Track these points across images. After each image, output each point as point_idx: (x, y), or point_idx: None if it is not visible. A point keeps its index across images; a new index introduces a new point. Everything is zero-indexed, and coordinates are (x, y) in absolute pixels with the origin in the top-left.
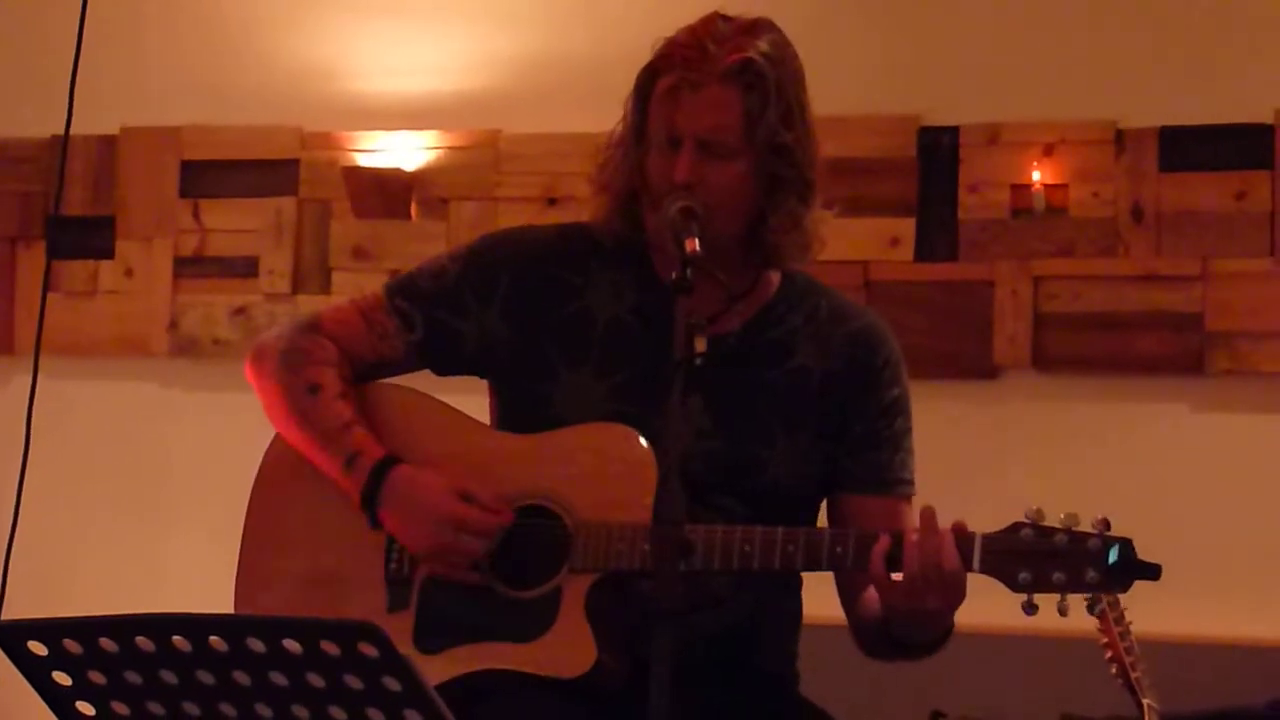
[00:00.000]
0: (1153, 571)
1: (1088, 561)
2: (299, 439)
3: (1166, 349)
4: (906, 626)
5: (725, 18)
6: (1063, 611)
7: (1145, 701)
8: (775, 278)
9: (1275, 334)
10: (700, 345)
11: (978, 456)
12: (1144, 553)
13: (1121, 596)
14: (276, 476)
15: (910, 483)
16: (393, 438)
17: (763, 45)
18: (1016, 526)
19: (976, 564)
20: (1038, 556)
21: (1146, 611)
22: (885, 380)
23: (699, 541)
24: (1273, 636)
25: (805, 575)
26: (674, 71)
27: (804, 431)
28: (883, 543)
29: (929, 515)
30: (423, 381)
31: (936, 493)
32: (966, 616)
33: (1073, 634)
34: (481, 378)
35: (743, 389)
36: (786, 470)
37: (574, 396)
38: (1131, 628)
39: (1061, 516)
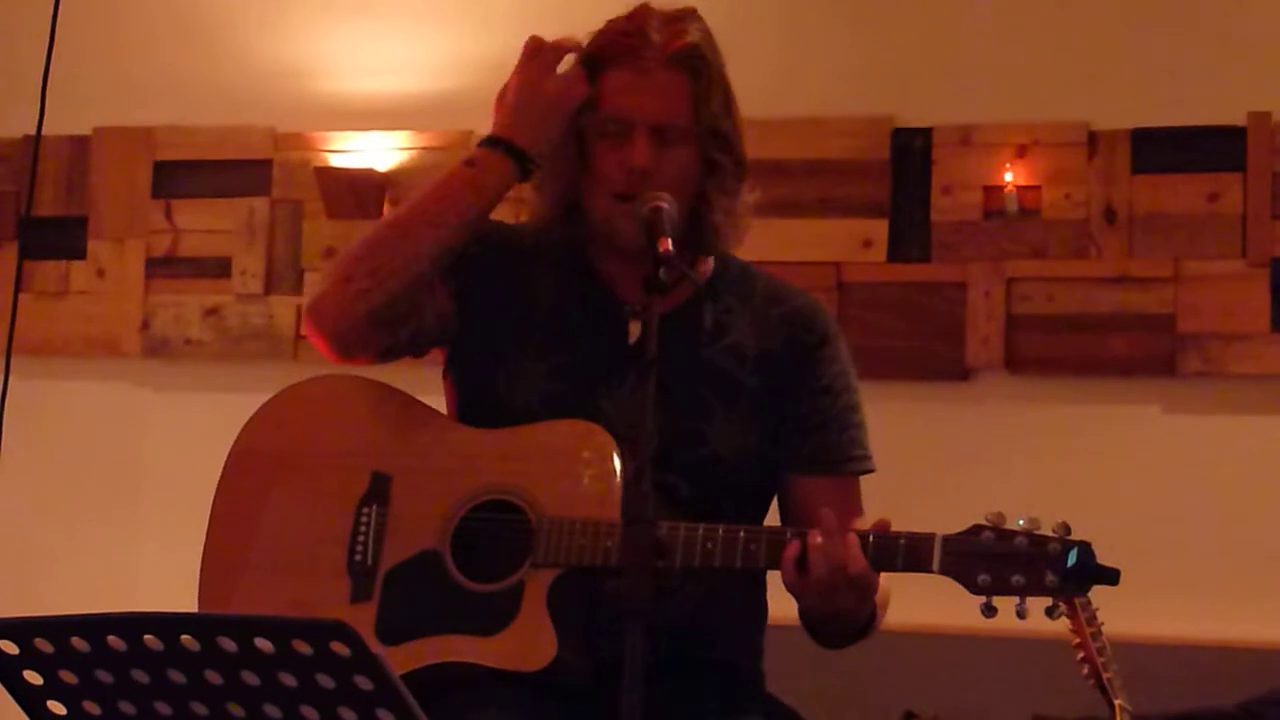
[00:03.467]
0: (1111, 576)
1: (1047, 565)
2: (413, 217)
3: (1138, 350)
4: (823, 622)
5: (651, 8)
6: (1021, 614)
7: (1117, 702)
8: (709, 262)
9: (1247, 335)
10: (635, 331)
11: (949, 458)
12: (1115, 553)
13: (1093, 597)
14: (243, 467)
15: (862, 458)
16: (361, 429)
17: (696, 33)
18: (976, 529)
19: (936, 565)
20: (997, 559)
21: (1118, 612)
22: (824, 358)
23: (656, 518)
24: (1244, 637)
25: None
26: (620, 60)
27: (741, 407)
28: (792, 548)
29: (829, 518)
30: (393, 374)
31: (908, 494)
32: (939, 617)
33: (1045, 635)
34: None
35: (678, 366)
36: (726, 444)
37: (516, 378)
38: (1103, 628)
39: (1022, 520)
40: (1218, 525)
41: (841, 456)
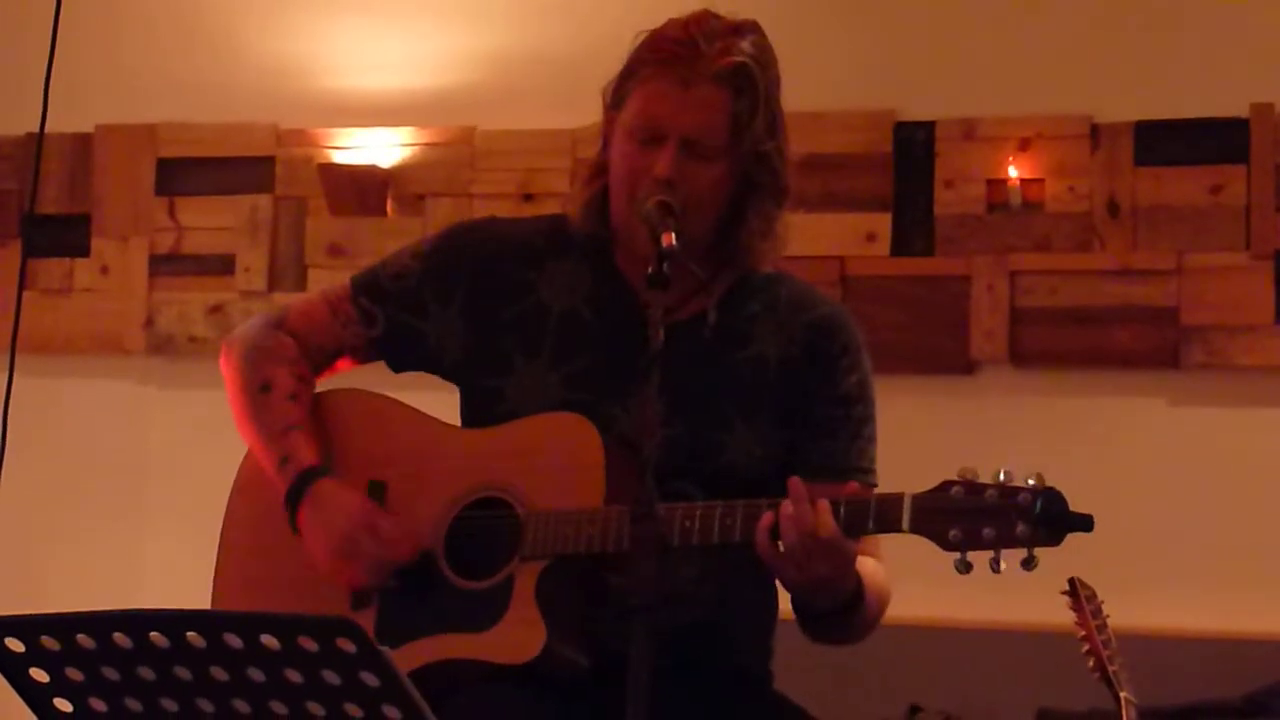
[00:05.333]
0: (1083, 522)
1: (1017, 515)
2: (247, 434)
3: (1143, 343)
4: (806, 595)
5: (715, 15)
6: (995, 568)
7: (1123, 695)
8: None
9: (1251, 328)
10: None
11: (954, 452)
12: (1120, 545)
13: (1098, 589)
14: (250, 485)
15: (868, 471)
16: (353, 440)
17: (751, 49)
18: (946, 485)
19: (906, 524)
20: (968, 513)
21: (1124, 605)
22: (843, 367)
23: (661, 516)
24: (1249, 629)
25: None
26: (664, 66)
27: (761, 417)
28: (766, 518)
29: (797, 486)
30: (387, 381)
31: (911, 487)
32: (944, 611)
33: (1050, 628)
34: (436, 374)
35: (700, 375)
36: (744, 455)
37: (527, 388)
38: (1109, 621)
39: (999, 473)
40: (1223, 517)
41: (847, 465)
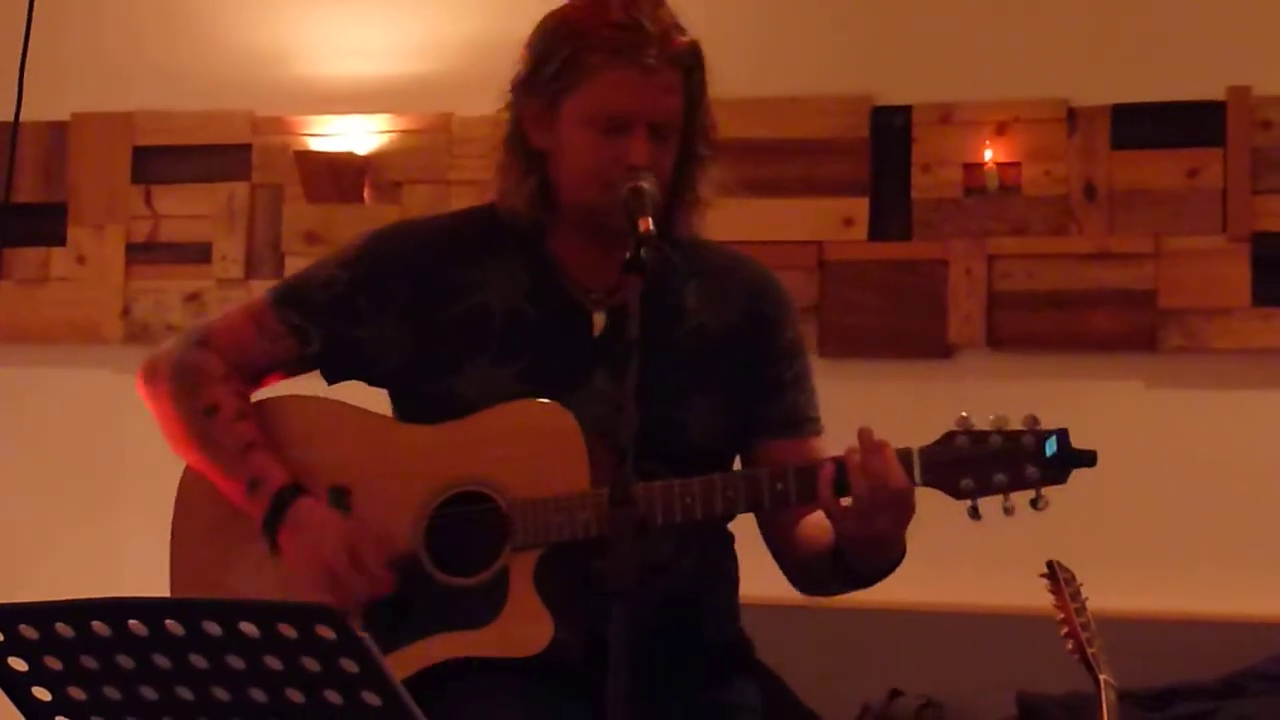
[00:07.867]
0: (1089, 458)
1: (1026, 458)
2: (199, 461)
3: (1120, 327)
4: (860, 555)
5: None
6: (1008, 511)
7: (1102, 677)
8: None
9: (1228, 311)
10: (599, 322)
11: (932, 436)
12: (1097, 528)
13: (1077, 572)
14: (195, 501)
15: (817, 420)
16: (306, 449)
17: (678, 19)
18: (950, 435)
19: (918, 478)
20: (976, 461)
21: (1103, 587)
22: (781, 324)
23: (639, 499)
24: (1226, 611)
25: (740, 545)
26: (618, 54)
27: (715, 387)
28: (827, 470)
29: (867, 435)
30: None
31: None
32: (924, 594)
33: (1029, 611)
34: (372, 384)
35: (649, 353)
36: (707, 427)
37: (479, 387)
38: (1087, 603)
39: (991, 419)
40: (1199, 500)
41: (798, 417)
